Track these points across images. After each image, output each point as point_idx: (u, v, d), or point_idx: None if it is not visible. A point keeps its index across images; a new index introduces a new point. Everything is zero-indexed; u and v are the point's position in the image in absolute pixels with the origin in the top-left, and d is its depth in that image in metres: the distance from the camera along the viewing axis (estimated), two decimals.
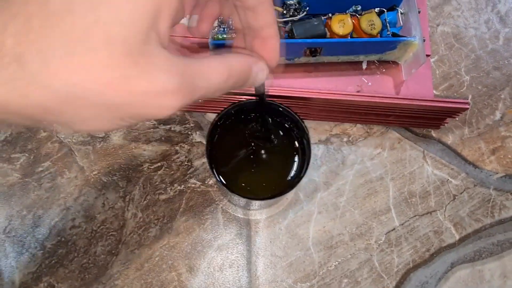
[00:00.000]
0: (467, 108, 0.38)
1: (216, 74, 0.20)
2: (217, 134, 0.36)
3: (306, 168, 0.34)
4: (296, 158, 0.36)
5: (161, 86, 0.16)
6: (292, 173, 0.36)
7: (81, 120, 0.17)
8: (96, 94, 0.15)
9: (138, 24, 0.16)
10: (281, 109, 0.36)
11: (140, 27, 0.16)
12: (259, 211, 0.40)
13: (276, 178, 0.36)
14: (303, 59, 0.42)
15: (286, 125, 0.37)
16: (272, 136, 0.35)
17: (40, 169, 0.40)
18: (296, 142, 0.37)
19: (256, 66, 0.23)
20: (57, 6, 0.14)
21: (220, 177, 0.35)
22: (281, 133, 0.37)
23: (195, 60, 0.19)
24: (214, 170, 0.34)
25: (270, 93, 0.37)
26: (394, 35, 0.42)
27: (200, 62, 0.19)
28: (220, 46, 0.38)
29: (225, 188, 0.33)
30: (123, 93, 0.16)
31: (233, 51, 0.23)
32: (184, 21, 0.42)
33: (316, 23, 0.41)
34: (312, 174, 0.41)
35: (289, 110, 0.35)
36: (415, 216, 0.40)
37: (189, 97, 0.18)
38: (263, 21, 0.23)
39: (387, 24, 0.42)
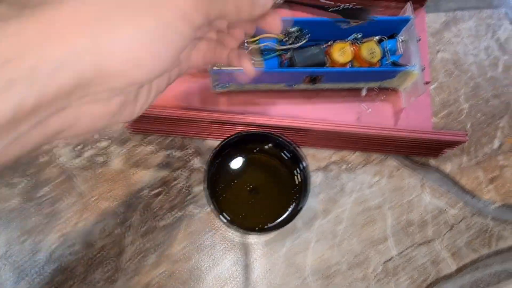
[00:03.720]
0: (465, 141, 0.38)
1: None
2: (216, 164, 0.37)
3: (305, 201, 0.34)
4: (295, 190, 0.37)
5: None
6: (291, 204, 0.36)
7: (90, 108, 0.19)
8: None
9: None
10: (279, 140, 0.36)
11: None
12: (257, 238, 0.40)
13: (275, 208, 0.36)
14: (303, 86, 0.42)
15: (285, 156, 0.37)
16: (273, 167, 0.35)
17: (41, 194, 0.40)
18: (295, 173, 0.37)
19: None
20: None
21: (221, 210, 0.35)
22: (281, 165, 0.37)
23: None
24: (213, 202, 0.34)
25: (269, 123, 0.38)
26: (394, 63, 0.42)
27: None
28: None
29: (225, 221, 0.34)
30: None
31: None
32: None
33: (316, 51, 0.41)
34: (311, 202, 0.41)
35: (289, 142, 0.36)
36: (412, 245, 0.41)
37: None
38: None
39: (387, 52, 0.42)
